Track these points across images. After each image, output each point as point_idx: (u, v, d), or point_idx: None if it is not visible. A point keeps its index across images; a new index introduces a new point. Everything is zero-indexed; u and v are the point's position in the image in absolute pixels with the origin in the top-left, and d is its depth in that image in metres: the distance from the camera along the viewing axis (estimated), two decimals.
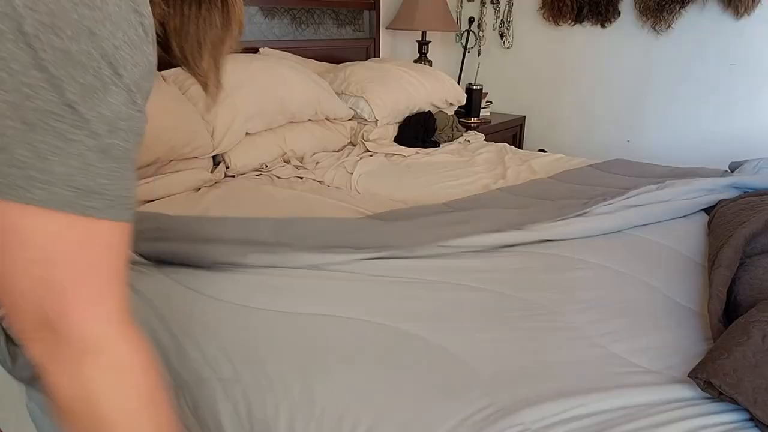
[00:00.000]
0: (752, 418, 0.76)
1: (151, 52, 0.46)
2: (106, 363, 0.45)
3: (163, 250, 1.10)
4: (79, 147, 0.42)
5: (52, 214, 0.42)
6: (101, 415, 0.44)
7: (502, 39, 3.25)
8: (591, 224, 1.37)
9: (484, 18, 3.28)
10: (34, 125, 0.39)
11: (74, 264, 0.43)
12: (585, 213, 1.43)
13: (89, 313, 0.44)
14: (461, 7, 3.35)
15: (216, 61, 0.58)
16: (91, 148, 0.42)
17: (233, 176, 1.84)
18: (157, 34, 0.46)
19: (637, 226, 1.42)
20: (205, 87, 0.58)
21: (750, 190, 1.61)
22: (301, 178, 1.83)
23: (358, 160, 2.00)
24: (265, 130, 1.99)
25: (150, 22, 0.45)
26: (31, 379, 1.04)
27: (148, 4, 0.45)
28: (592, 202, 1.49)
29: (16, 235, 0.41)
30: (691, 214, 1.54)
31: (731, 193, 1.59)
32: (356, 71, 2.36)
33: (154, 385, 0.47)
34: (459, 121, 2.60)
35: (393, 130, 2.35)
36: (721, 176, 1.69)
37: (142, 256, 1.11)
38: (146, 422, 0.46)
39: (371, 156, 2.08)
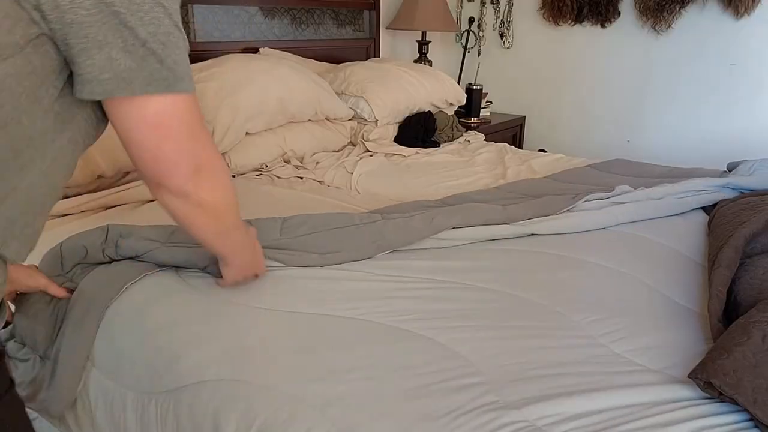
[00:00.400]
0: (752, 419, 0.76)
1: None
2: (224, 178, 0.79)
3: (179, 259, 1.10)
4: (183, 52, 0.66)
5: (190, 96, 0.68)
6: (231, 204, 0.82)
7: (502, 39, 3.25)
8: (578, 220, 1.38)
9: (484, 18, 3.28)
10: (166, 44, 0.63)
11: (203, 125, 0.73)
12: (573, 208, 1.45)
13: (214, 151, 0.76)
14: (461, 7, 3.35)
15: None
16: (183, 50, 0.66)
17: (233, 176, 1.84)
18: None
19: (625, 223, 1.43)
20: None
21: (745, 191, 1.61)
22: (301, 178, 1.84)
23: (358, 160, 2.00)
24: (265, 130, 1.99)
25: None
26: (29, 397, 1.03)
27: None
28: (578, 197, 1.50)
29: (176, 113, 0.67)
30: (687, 212, 1.54)
31: (725, 194, 1.59)
32: (356, 71, 2.36)
33: (230, 177, 0.85)
34: (459, 121, 2.60)
35: (393, 130, 2.35)
36: (719, 177, 1.70)
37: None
38: (234, 193, 0.83)
39: (371, 156, 2.08)
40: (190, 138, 0.69)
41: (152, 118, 0.65)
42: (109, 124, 0.69)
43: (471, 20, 3.33)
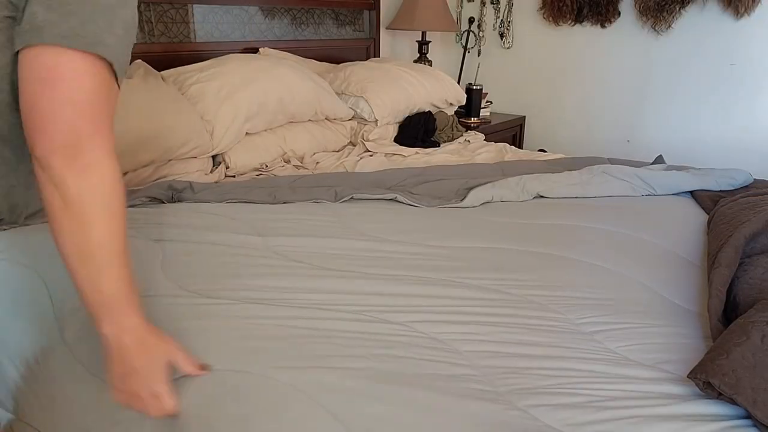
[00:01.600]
0: (750, 417, 0.76)
1: None
2: (107, 174, 0.67)
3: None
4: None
5: (99, 62, 0.68)
6: (106, 211, 0.68)
7: (502, 39, 3.25)
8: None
9: (484, 18, 3.28)
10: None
11: (110, 106, 0.69)
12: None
13: (105, 138, 0.67)
14: (461, 7, 3.35)
15: None
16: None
17: (233, 176, 1.84)
18: None
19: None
20: None
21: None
22: None
23: (358, 160, 2.01)
24: (265, 130, 1.99)
25: None
26: None
27: None
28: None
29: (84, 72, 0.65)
30: (688, 211, 1.54)
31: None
32: (356, 71, 2.36)
33: (120, 187, 0.71)
34: (459, 121, 2.60)
35: (393, 130, 2.36)
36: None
37: None
38: (116, 205, 0.70)
39: (371, 156, 2.09)
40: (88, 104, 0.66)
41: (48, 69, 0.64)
42: None
43: (471, 20, 3.33)
